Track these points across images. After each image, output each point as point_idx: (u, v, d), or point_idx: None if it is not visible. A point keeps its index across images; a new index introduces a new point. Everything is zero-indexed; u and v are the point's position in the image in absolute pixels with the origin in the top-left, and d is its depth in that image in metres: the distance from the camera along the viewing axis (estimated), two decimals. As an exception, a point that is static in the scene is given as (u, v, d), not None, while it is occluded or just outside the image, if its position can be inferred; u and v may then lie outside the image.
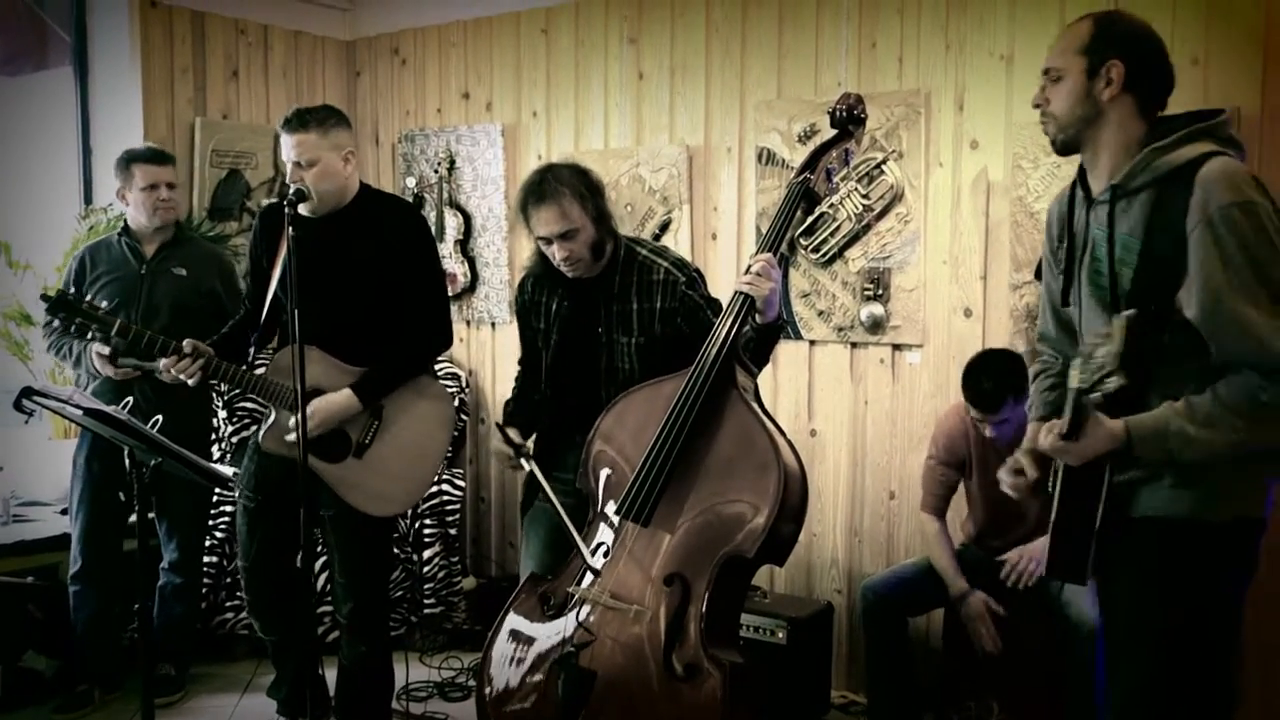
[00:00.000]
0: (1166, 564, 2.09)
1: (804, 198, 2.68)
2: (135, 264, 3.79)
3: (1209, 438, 1.97)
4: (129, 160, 3.77)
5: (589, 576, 2.65)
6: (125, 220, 3.86)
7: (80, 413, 2.73)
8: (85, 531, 3.79)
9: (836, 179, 3.79)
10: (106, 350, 3.51)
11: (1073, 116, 2.15)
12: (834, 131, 2.77)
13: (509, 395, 3.23)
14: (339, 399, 3.10)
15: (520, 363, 3.22)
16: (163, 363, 3.08)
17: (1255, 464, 2.05)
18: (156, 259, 3.81)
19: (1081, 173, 2.24)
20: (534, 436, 3.09)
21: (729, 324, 2.60)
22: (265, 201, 4.76)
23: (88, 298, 3.58)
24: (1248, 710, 3.33)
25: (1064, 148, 2.20)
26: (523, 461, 2.84)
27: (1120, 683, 2.18)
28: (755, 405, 2.61)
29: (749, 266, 2.62)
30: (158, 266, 3.80)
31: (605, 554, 2.67)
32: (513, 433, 2.91)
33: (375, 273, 3.14)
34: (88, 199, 4.59)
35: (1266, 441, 1.99)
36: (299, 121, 3.06)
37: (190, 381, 3.08)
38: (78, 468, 3.81)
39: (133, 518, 3.89)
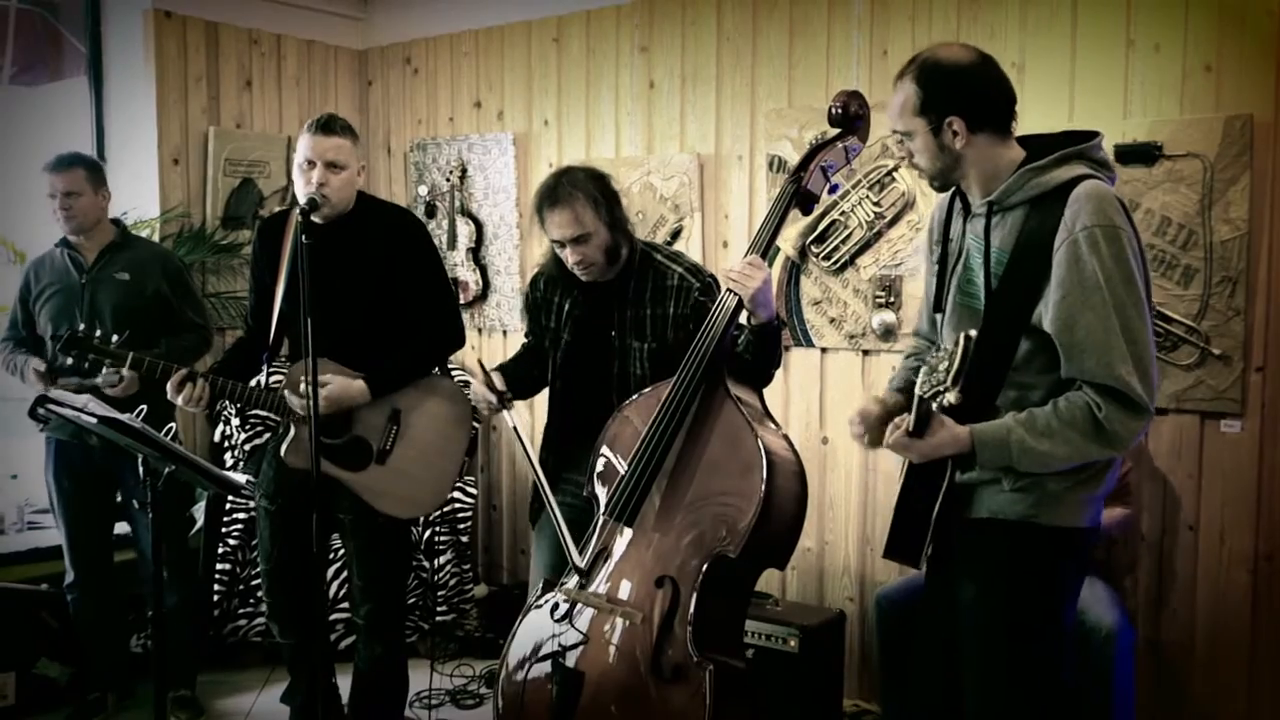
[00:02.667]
0: (1009, 561, 2.21)
1: (795, 197, 2.65)
2: (76, 273, 3.71)
3: (1047, 448, 2.09)
4: (44, 168, 3.66)
5: (584, 578, 2.66)
6: None
7: (95, 420, 2.74)
8: (71, 546, 3.80)
9: (843, 181, 3.81)
10: (43, 366, 3.52)
11: (936, 168, 2.25)
12: (835, 131, 2.72)
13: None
14: (354, 384, 3.11)
15: (524, 347, 3.25)
16: (170, 394, 3.06)
17: (1083, 476, 2.17)
18: (98, 265, 3.72)
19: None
20: (540, 443, 3.10)
21: (716, 324, 2.61)
22: (269, 212, 4.78)
23: (35, 311, 3.70)
24: (1257, 711, 3.31)
25: (942, 188, 2.32)
26: (505, 413, 2.79)
27: (977, 680, 2.26)
28: (746, 406, 2.61)
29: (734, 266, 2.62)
30: (99, 273, 3.71)
31: (605, 557, 2.68)
32: (497, 378, 2.87)
33: (380, 278, 3.16)
34: (102, 208, 4.63)
35: (1096, 456, 2.13)
36: (338, 125, 3.10)
37: (196, 409, 3.08)
38: (50, 486, 3.82)
39: (119, 527, 3.93)
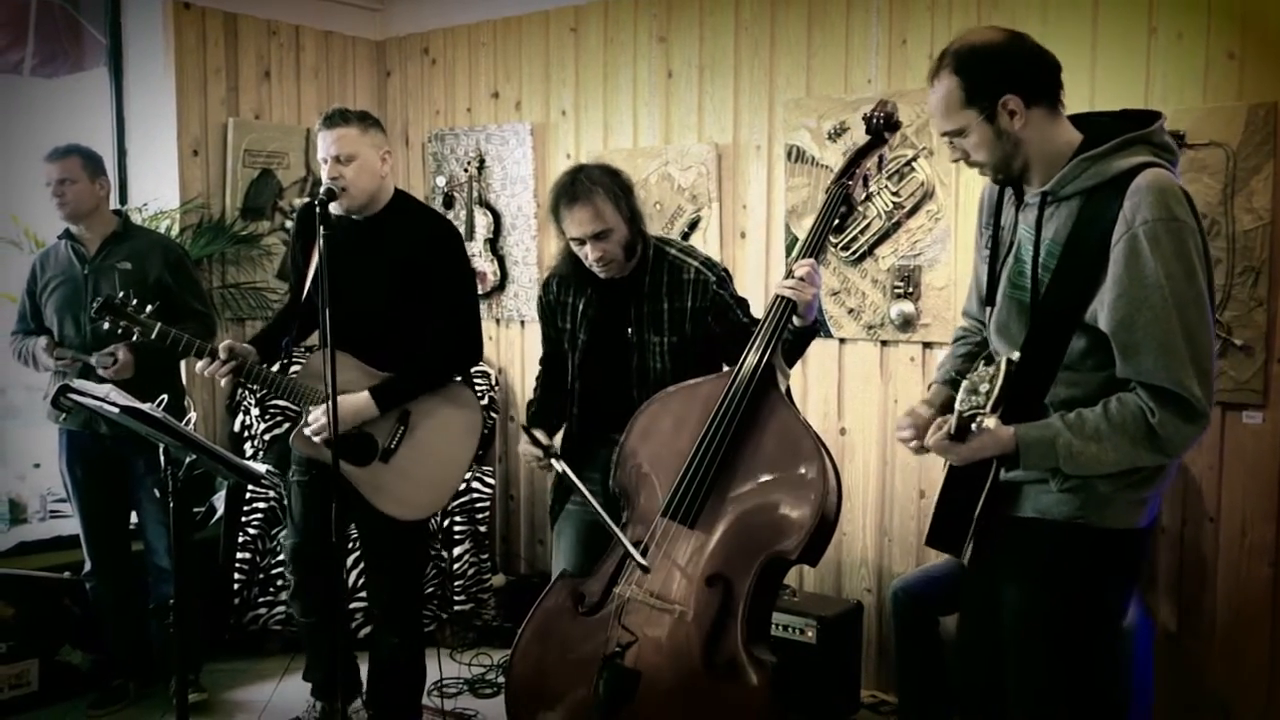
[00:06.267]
0: (1055, 563, 2.14)
1: (844, 201, 2.67)
2: (79, 264, 3.74)
3: (1094, 452, 2.01)
4: (43, 159, 3.72)
5: (635, 574, 2.62)
6: None
7: (117, 410, 2.76)
8: (87, 535, 3.84)
9: (871, 182, 3.80)
10: (45, 341, 3.62)
11: (998, 158, 2.13)
12: (868, 137, 2.73)
13: (532, 395, 3.24)
14: (356, 400, 3.11)
15: (541, 362, 3.21)
16: (198, 365, 3.12)
17: (1135, 479, 2.09)
18: (100, 256, 3.74)
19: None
20: (561, 434, 3.08)
21: (771, 328, 2.59)
22: (298, 201, 4.80)
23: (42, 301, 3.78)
24: (1278, 704, 3.30)
25: (1008, 182, 2.21)
26: (552, 462, 2.79)
27: (1017, 683, 2.20)
28: (796, 407, 2.62)
29: (791, 271, 2.59)
30: (101, 264, 3.73)
31: (643, 553, 2.66)
32: (539, 434, 2.86)
33: (404, 279, 3.16)
34: (123, 199, 4.65)
35: (1146, 462, 2.04)
36: (340, 117, 3.11)
37: (221, 383, 3.13)
38: (64, 476, 3.85)
39: (135, 516, 3.96)
